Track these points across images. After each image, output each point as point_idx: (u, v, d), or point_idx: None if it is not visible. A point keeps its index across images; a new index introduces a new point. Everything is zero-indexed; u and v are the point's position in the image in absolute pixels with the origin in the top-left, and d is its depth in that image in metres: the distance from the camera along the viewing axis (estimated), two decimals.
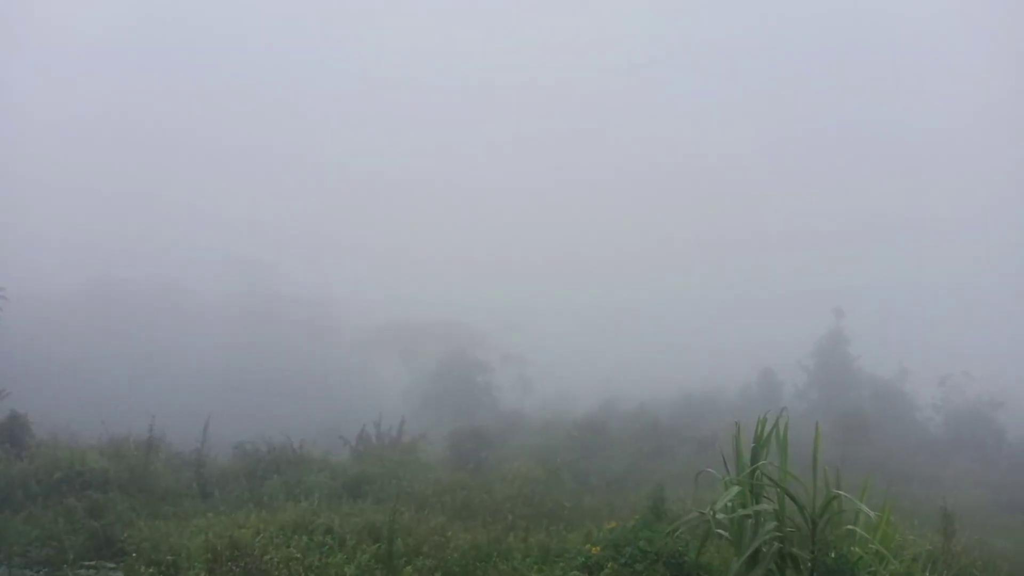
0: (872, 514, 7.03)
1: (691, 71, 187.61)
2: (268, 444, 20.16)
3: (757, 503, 7.28)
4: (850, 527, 7.18)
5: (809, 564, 6.81)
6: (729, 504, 7.28)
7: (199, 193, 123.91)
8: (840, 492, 6.95)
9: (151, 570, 9.58)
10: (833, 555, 6.96)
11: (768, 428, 7.57)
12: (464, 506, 15.95)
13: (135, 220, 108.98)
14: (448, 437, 30.80)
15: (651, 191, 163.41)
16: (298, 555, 9.85)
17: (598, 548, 9.16)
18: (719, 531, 7.45)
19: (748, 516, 7.25)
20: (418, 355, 74.06)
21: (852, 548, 7.12)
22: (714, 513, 7.10)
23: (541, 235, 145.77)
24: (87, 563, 11.11)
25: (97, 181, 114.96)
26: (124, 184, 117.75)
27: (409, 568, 9.58)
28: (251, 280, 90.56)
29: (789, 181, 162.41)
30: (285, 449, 20.00)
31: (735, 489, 7.25)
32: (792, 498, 7.03)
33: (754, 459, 7.51)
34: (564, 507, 16.47)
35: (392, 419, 26.17)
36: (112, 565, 11.04)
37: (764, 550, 6.98)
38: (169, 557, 10.21)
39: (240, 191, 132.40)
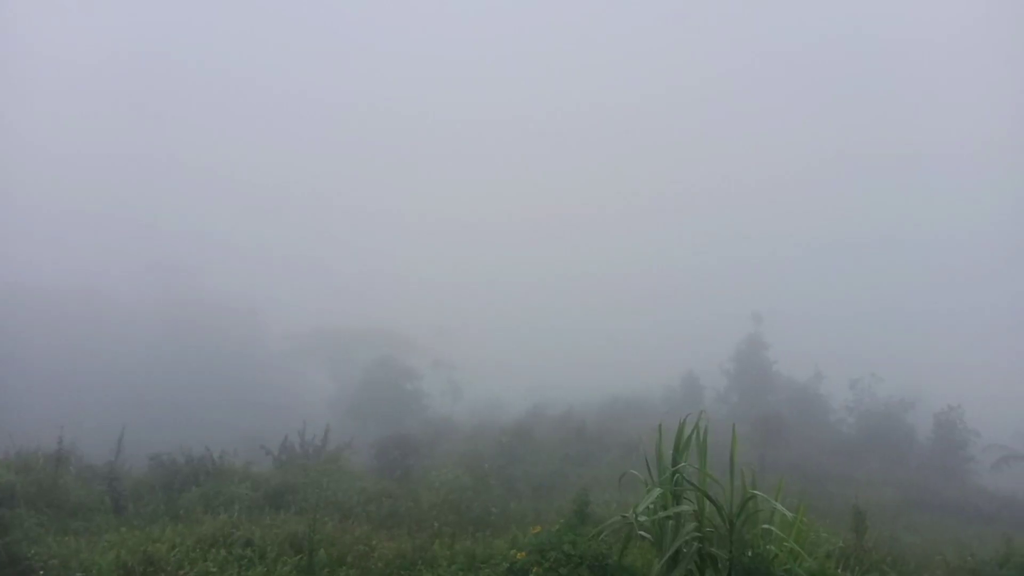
0: (787, 513, 7.25)
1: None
2: (186, 455, 19.50)
3: (678, 505, 7.41)
4: (766, 526, 7.37)
5: (727, 563, 6.97)
6: (651, 506, 7.38)
7: (117, 197, 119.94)
8: (757, 492, 7.14)
9: None
10: (750, 554, 7.14)
11: (689, 431, 7.72)
12: (390, 515, 15.78)
13: (49, 223, 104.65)
14: (375, 445, 30.42)
15: (576, 198, 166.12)
16: (215, 569, 9.57)
17: (523, 553, 9.18)
18: (641, 533, 7.54)
19: (669, 518, 7.38)
20: (345, 363, 72.93)
21: (768, 547, 7.31)
22: (636, 516, 7.20)
23: (470, 242, 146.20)
24: None
25: None
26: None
27: None
28: (172, 286, 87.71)
29: (711, 190, 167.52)
30: (204, 460, 19.37)
31: (656, 492, 7.36)
32: (711, 499, 7.19)
33: (675, 462, 7.65)
34: (491, 513, 16.47)
35: (317, 428, 25.67)
36: None
37: (684, 551, 7.12)
38: (79, 574, 9.79)
39: (163, 195, 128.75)
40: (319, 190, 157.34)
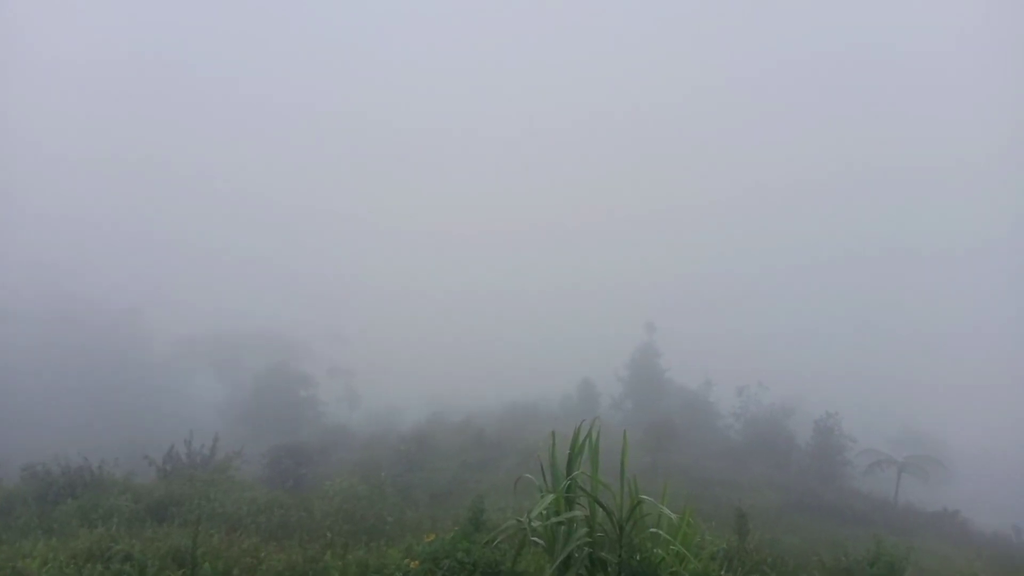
0: (673, 517, 7.46)
1: None
2: (62, 466, 18.42)
3: (571, 511, 7.52)
4: (654, 530, 7.56)
5: (616, 567, 7.12)
6: (544, 512, 7.46)
7: None
8: (645, 497, 7.32)
9: None
10: (638, 557, 7.32)
11: (583, 438, 7.84)
12: (281, 526, 15.37)
13: None
14: (267, 454, 29.62)
15: (478, 214, 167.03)
16: None
17: (417, 562, 9.11)
18: (535, 539, 7.61)
19: (561, 523, 7.47)
20: (236, 369, 70.52)
21: (656, 550, 7.50)
22: (530, 521, 7.26)
23: (371, 249, 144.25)
24: None
25: None
26: None
27: None
28: (48, 284, 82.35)
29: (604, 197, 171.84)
30: (82, 471, 18.36)
31: (549, 497, 7.44)
32: (601, 505, 7.32)
33: (568, 468, 7.75)
34: (386, 522, 16.28)
35: (206, 436, 24.73)
36: None
37: (576, 555, 7.22)
38: None
39: (39, 189, 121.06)
40: (216, 186, 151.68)
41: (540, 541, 7.68)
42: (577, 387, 62.06)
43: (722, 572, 9.85)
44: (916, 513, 35.90)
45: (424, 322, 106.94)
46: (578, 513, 7.47)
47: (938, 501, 38.82)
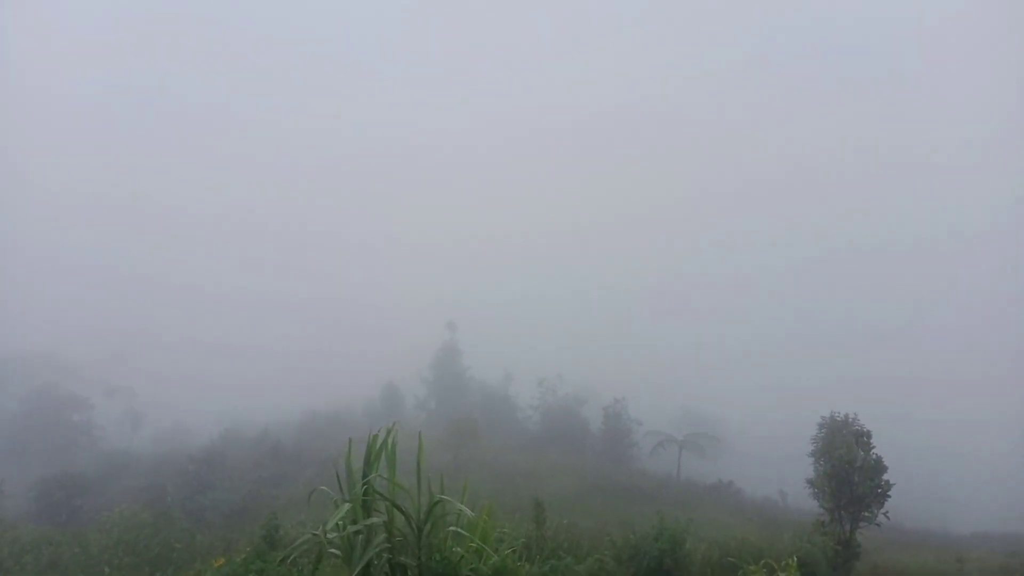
0: (470, 514, 7.57)
1: None
2: None
3: (368, 518, 7.40)
4: (453, 528, 7.63)
5: (416, 570, 7.11)
6: (341, 522, 7.29)
7: None
8: (443, 497, 7.37)
9: None
10: (438, 557, 7.35)
11: (381, 442, 7.75)
12: (51, 565, 13.92)
13: None
14: (34, 487, 26.70)
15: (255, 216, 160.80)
16: None
17: None
18: (332, 551, 7.42)
19: (359, 532, 7.33)
20: None
21: (455, 548, 7.57)
22: (325, 533, 7.06)
23: (146, 257, 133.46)
24: None
25: None
26: None
27: None
28: None
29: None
30: None
31: (346, 507, 7.27)
32: (399, 509, 7.28)
33: (365, 475, 7.63)
34: (174, 549, 15.23)
35: None
36: None
37: (375, 563, 7.12)
38: None
39: None
40: None
41: (337, 552, 7.50)
42: (381, 392, 61.44)
43: (522, 562, 10.12)
44: (696, 486, 39.10)
45: (215, 333, 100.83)
46: (375, 520, 7.37)
47: (715, 473, 42.53)
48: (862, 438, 13.86)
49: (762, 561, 10.70)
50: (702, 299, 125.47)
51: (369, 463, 7.71)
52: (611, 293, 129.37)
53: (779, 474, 43.27)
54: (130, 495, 28.49)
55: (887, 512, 13.91)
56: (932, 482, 55.60)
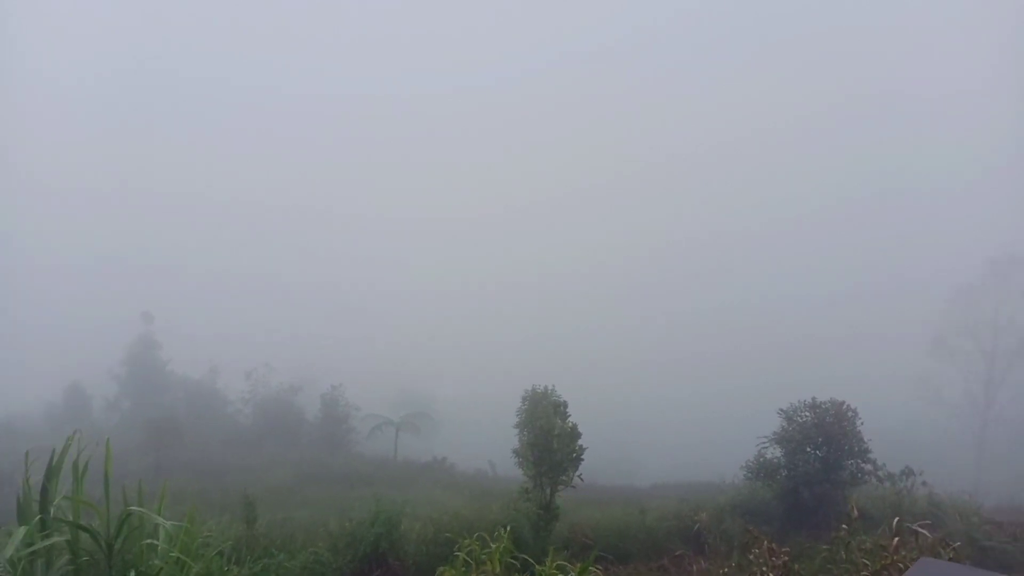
0: (164, 523, 7.04)
1: None
2: None
3: (48, 539, 6.58)
4: (149, 540, 7.06)
5: None
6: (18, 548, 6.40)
7: None
8: (133, 508, 6.77)
9: None
10: (133, 574, 6.75)
11: (65, 452, 6.93)
12: None
13: None
14: None
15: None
16: None
17: None
18: None
19: (38, 556, 6.50)
20: None
21: (153, 562, 7.01)
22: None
23: None
24: None
25: None
26: None
27: None
28: None
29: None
30: None
31: (22, 530, 6.42)
32: (83, 527, 6.57)
33: (45, 491, 6.77)
34: None
35: None
36: None
37: None
38: None
39: None
40: None
41: None
42: (63, 394, 54.59)
43: (231, 566, 9.66)
44: (413, 465, 39.99)
45: None
46: (56, 539, 6.58)
47: (432, 451, 43.86)
48: (559, 408, 15.08)
49: (475, 534, 11.24)
50: (411, 283, 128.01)
51: (48, 478, 6.87)
52: (324, 279, 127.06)
53: (491, 446, 45.83)
54: None
55: (581, 475, 15.28)
56: (623, 444, 62.66)
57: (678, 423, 72.19)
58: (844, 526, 11.61)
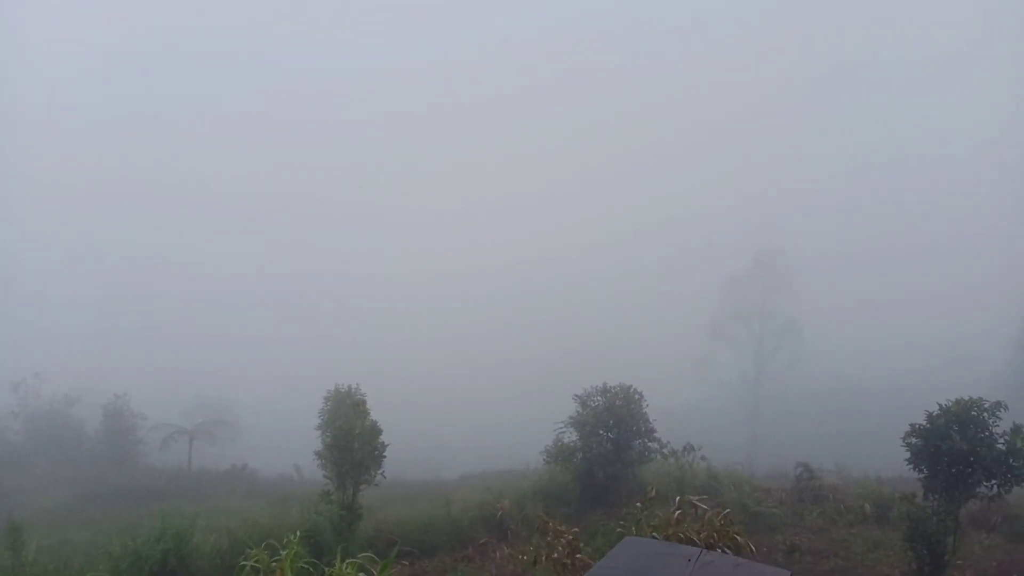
0: None
1: None
2: None
3: None
4: None
5: None
6: None
7: None
8: None
9: None
10: None
11: None
12: None
13: None
14: None
15: None
16: None
17: None
18: None
19: None
20: None
21: None
22: None
23: None
24: None
25: None
26: None
27: None
28: None
29: None
30: None
31: None
32: None
33: None
34: None
35: None
36: None
37: None
38: None
39: None
40: None
41: None
42: None
43: None
44: (209, 475, 38.01)
45: None
46: None
47: (231, 459, 41.91)
48: (359, 406, 15.04)
49: (263, 542, 10.97)
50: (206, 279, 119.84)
51: None
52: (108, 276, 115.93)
53: (298, 451, 44.57)
54: None
55: (383, 472, 15.36)
56: (434, 437, 63.36)
57: (486, 415, 74.11)
58: (638, 504, 12.49)
